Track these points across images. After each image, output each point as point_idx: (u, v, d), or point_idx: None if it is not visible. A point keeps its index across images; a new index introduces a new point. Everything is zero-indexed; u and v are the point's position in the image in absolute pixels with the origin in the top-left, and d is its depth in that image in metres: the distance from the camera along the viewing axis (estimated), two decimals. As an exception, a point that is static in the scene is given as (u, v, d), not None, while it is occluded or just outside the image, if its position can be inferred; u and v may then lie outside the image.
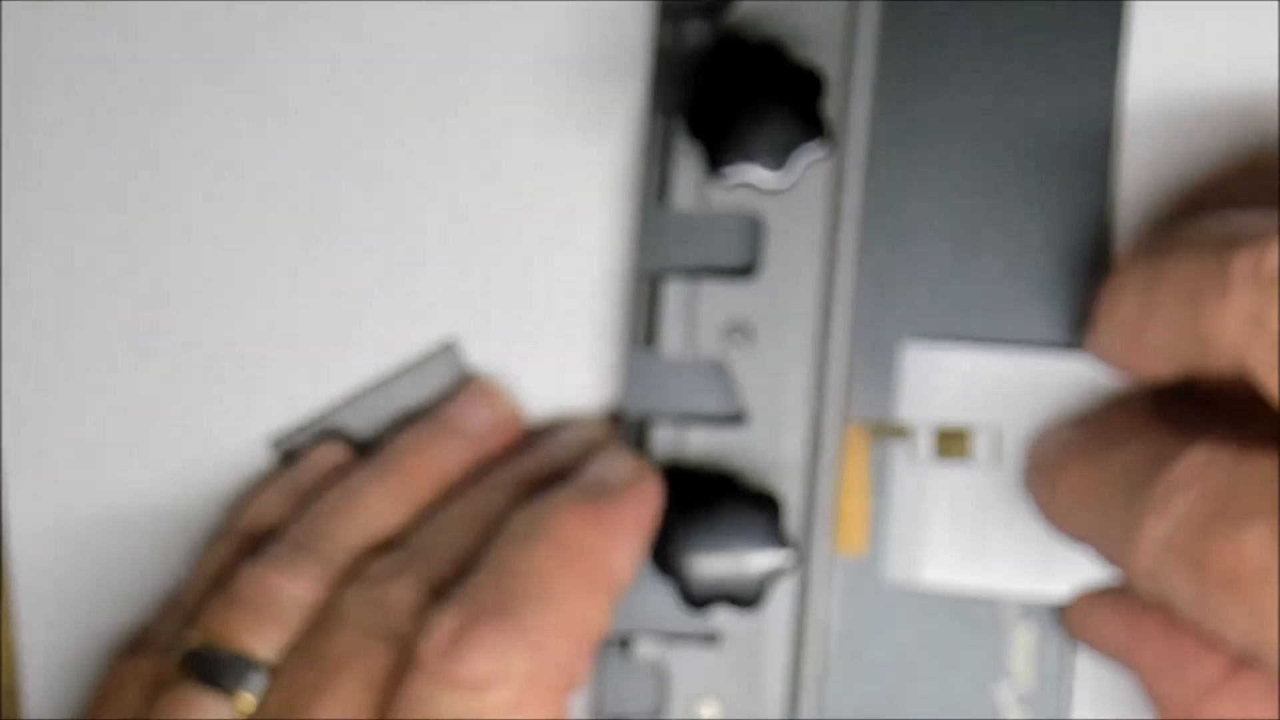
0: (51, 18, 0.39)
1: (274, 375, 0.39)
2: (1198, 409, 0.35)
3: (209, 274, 0.39)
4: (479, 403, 0.38)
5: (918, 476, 0.37)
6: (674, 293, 0.36)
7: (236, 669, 0.33)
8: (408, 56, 0.38)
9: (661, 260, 0.36)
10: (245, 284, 0.39)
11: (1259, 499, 0.29)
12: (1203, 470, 0.30)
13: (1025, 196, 0.37)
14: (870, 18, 0.36)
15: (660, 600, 0.35)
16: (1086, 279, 0.36)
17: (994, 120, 0.37)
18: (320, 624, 0.33)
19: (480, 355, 0.39)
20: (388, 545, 0.35)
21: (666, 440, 0.36)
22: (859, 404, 0.37)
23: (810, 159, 0.34)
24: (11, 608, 0.39)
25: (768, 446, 0.36)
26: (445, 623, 0.31)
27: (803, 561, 0.36)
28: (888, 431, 0.37)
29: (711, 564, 0.35)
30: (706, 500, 0.35)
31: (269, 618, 0.34)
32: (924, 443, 0.37)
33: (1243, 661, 0.32)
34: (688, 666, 0.36)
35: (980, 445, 0.37)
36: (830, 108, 0.35)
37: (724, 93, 0.34)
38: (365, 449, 0.38)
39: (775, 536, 0.35)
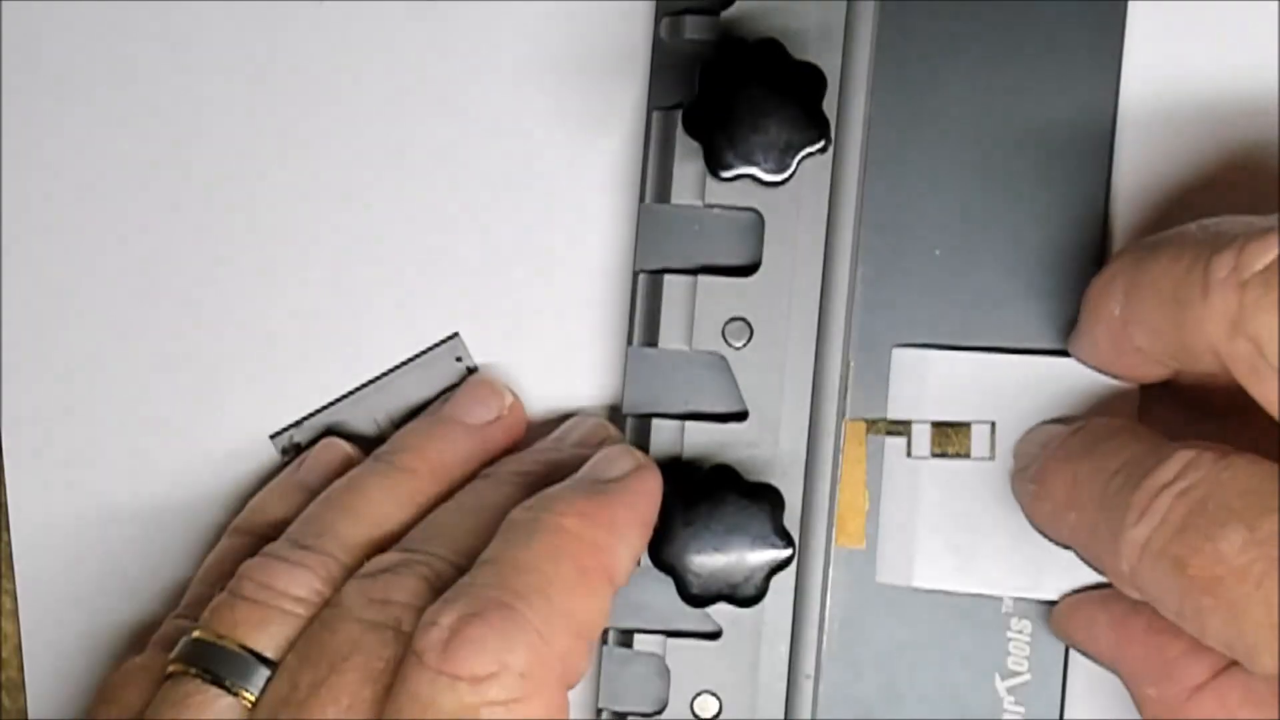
0: (51, 18, 0.39)
1: (277, 372, 0.39)
2: (1185, 410, 0.35)
3: (212, 271, 0.39)
4: (482, 398, 0.38)
5: (912, 473, 0.37)
6: (674, 290, 0.36)
7: (240, 665, 0.33)
8: (408, 57, 0.38)
9: (661, 258, 0.36)
10: (247, 281, 0.39)
11: (1237, 502, 0.29)
12: (1184, 473, 0.30)
13: (1023, 197, 0.37)
14: (869, 17, 0.36)
15: (660, 596, 0.36)
16: (1083, 280, 0.36)
17: (992, 120, 0.37)
18: (322, 620, 0.33)
19: (481, 352, 0.39)
20: (391, 542, 0.35)
21: (666, 436, 0.36)
22: (858, 400, 0.37)
23: (809, 158, 0.34)
24: (15, 604, 0.39)
25: (767, 443, 0.36)
26: (445, 618, 0.31)
27: (801, 557, 0.36)
28: (886, 427, 0.37)
29: (711, 560, 0.35)
30: (706, 497, 0.35)
31: (273, 614, 0.34)
32: (921, 438, 0.37)
33: (1227, 663, 0.32)
34: (687, 662, 0.36)
35: (976, 442, 0.37)
36: (829, 106, 0.35)
37: (724, 92, 0.34)
38: (369, 445, 0.38)
39: (774, 533, 0.35)
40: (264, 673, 0.33)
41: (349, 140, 0.39)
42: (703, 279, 0.36)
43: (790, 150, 0.34)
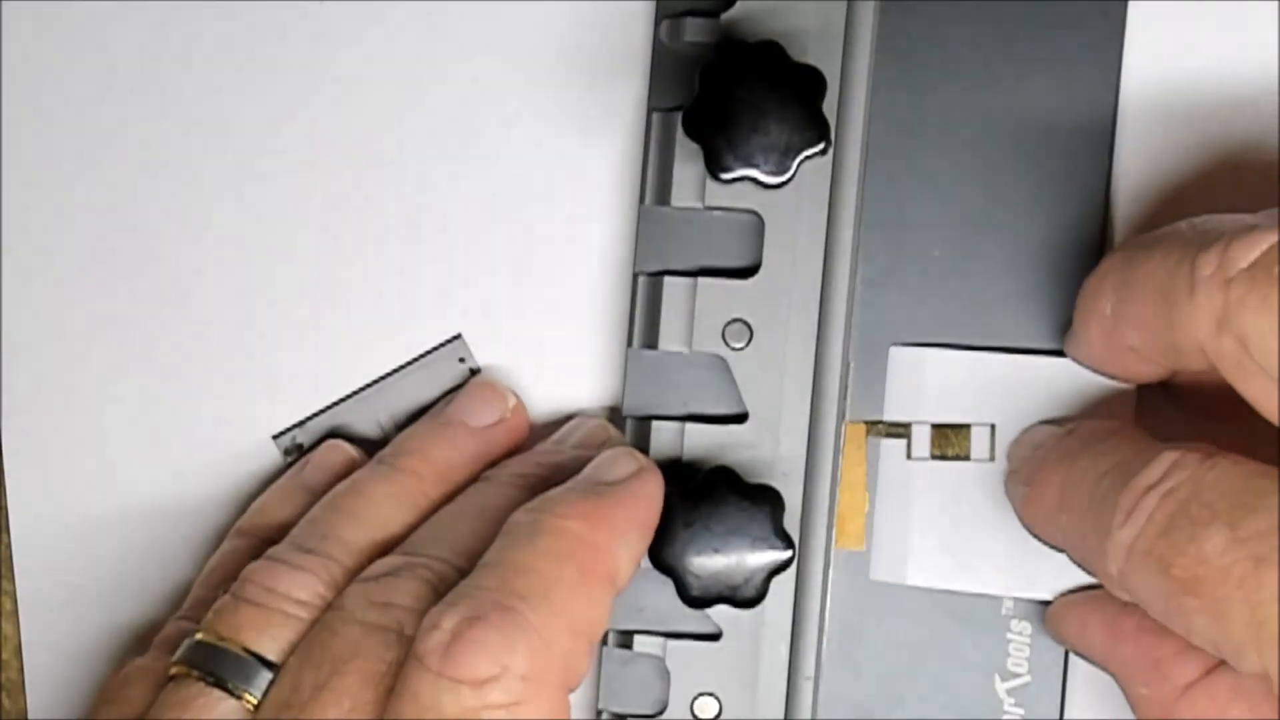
0: (51, 18, 0.39)
1: (279, 374, 0.39)
2: (1183, 411, 0.35)
3: (214, 272, 0.39)
4: (485, 400, 0.38)
5: (908, 474, 0.37)
6: (674, 292, 0.36)
7: (242, 668, 0.33)
8: (409, 58, 0.38)
9: (661, 260, 0.36)
10: (250, 282, 0.39)
11: (1220, 503, 0.30)
12: (1169, 474, 0.31)
13: (1023, 197, 0.37)
14: (869, 18, 0.36)
15: (660, 598, 0.36)
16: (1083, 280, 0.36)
17: (992, 121, 0.37)
18: (324, 622, 0.33)
19: (481, 354, 0.39)
20: (394, 544, 0.35)
21: (666, 438, 0.36)
22: (858, 401, 0.37)
23: (809, 159, 0.34)
24: (15, 605, 0.39)
25: (767, 444, 0.36)
26: (447, 621, 0.31)
27: (801, 559, 0.36)
28: (886, 429, 0.37)
29: (711, 562, 0.35)
30: (706, 498, 0.35)
31: (275, 617, 0.34)
32: (920, 440, 0.37)
33: (1217, 661, 0.32)
34: (687, 663, 0.36)
35: (976, 443, 0.37)
36: (829, 108, 0.35)
37: (724, 94, 0.34)
38: (372, 446, 0.38)
39: (774, 534, 0.35)
40: (266, 675, 0.33)
41: (349, 141, 0.39)
42: (703, 281, 0.36)
43: (790, 152, 0.34)
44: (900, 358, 0.37)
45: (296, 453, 0.39)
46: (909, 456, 0.37)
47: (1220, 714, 0.32)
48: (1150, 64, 0.37)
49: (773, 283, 0.36)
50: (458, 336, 0.39)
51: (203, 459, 0.39)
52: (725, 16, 0.35)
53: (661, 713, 0.36)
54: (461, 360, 0.39)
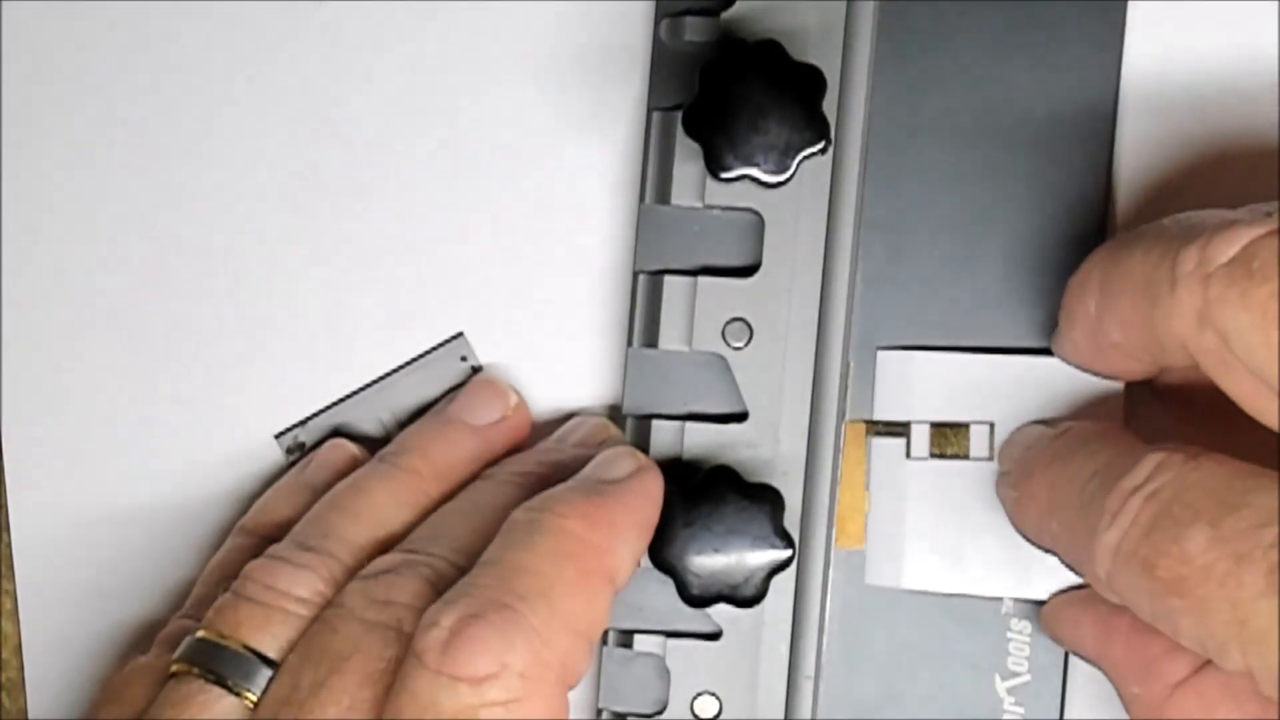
0: (51, 18, 0.39)
1: (282, 372, 0.39)
2: (1171, 411, 0.35)
3: (216, 271, 0.39)
4: (486, 399, 0.38)
5: (905, 475, 0.37)
6: (674, 291, 0.36)
7: (243, 665, 0.33)
8: (409, 57, 0.38)
9: (661, 259, 0.36)
10: (252, 281, 0.39)
11: (1202, 502, 0.29)
12: (1154, 475, 0.30)
13: (1023, 197, 0.37)
14: (869, 17, 0.36)
15: (660, 597, 0.36)
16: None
17: (992, 121, 0.37)
18: (324, 620, 0.33)
19: (482, 352, 0.39)
20: (395, 542, 0.35)
21: (666, 437, 0.36)
22: (858, 401, 0.37)
23: (809, 159, 0.34)
24: (15, 604, 0.40)
25: (767, 444, 0.36)
26: (446, 619, 0.31)
27: (801, 558, 0.36)
28: (885, 428, 0.37)
29: (711, 561, 0.35)
30: (706, 497, 0.35)
31: (275, 615, 0.34)
32: (920, 439, 0.37)
33: (1206, 660, 0.32)
34: (687, 662, 0.36)
35: (975, 442, 0.37)
36: (829, 107, 0.35)
37: (724, 93, 0.34)
38: (374, 444, 0.38)
39: (774, 534, 0.35)
40: (266, 673, 0.33)
41: (350, 141, 0.39)
42: (703, 280, 0.36)
43: (790, 151, 0.34)
44: (888, 361, 0.37)
45: (299, 451, 0.39)
46: (908, 456, 0.37)
47: (1209, 712, 0.32)
48: (1150, 62, 0.37)
49: (773, 282, 0.36)
50: (459, 335, 0.39)
51: (205, 458, 0.39)
52: (725, 15, 0.35)
53: (661, 712, 0.36)
54: (463, 358, 0.39)
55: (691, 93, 0.34)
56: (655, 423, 0.36)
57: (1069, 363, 0.36)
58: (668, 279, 0.36)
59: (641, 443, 0.36)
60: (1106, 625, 0.34)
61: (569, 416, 0.38)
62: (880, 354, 0.37)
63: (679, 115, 0.35)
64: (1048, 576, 0.36)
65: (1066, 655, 0.37)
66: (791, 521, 0.35)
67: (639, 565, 0.35)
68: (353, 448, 0.38)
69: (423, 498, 0.37)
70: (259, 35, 0.39)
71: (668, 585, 0.35)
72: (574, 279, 0.38)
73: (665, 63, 0.37)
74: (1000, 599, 0.37)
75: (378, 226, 0.39)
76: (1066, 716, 0.37)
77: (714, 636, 0.36)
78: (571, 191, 0.38)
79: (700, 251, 0.36)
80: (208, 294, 0.39)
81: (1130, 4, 0.36)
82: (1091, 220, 0.36)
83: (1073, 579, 0.35)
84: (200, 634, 0.34)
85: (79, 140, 0.39)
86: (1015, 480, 0.35)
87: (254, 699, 0.33)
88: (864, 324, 0.37)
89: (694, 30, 0.36)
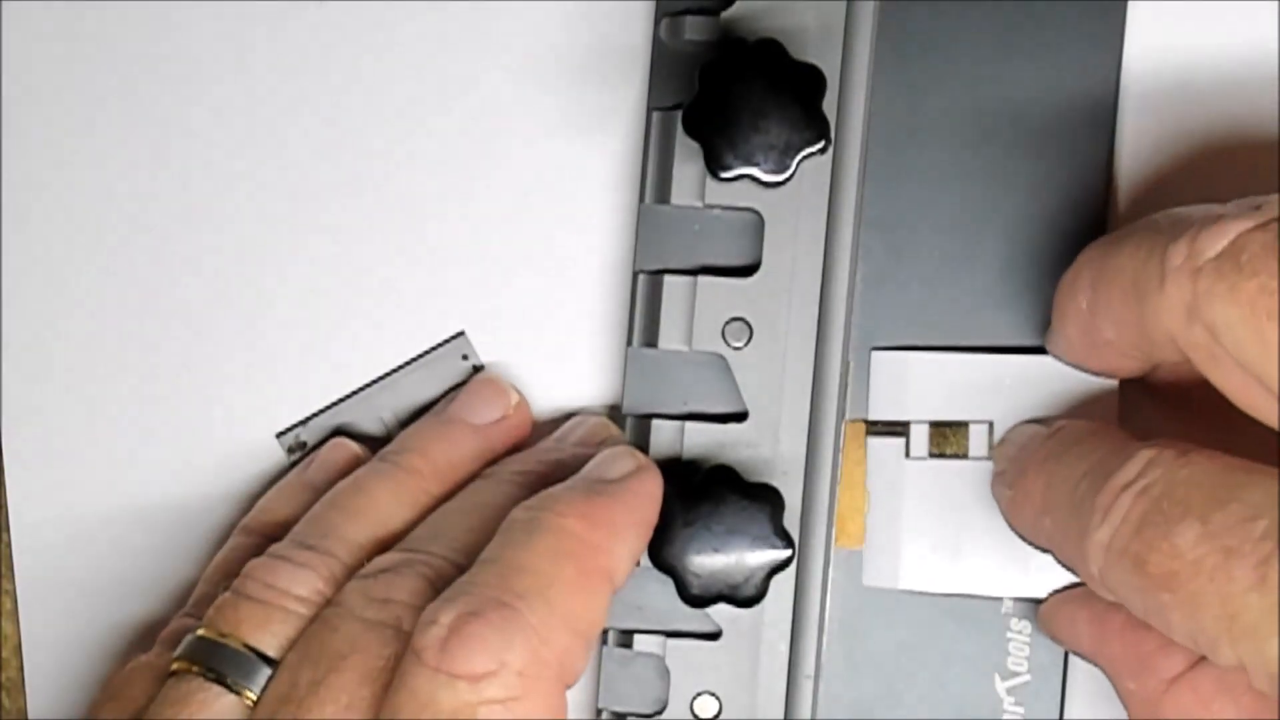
0: (51, 18, 0.39)
1: (283, 371, 0.39)
2: (1165, 408, 0.35)
3: (216, 270, 0.39)
4: (487, 398, 0.38)
5: (904, 474, 0.37)
6: (674, 291, 0.36)
7: (243, 663, 0.33)
8: (409, 57, 0.38)
9: (661, 259, 0.36)
10: (253, 280, 0.39)
11: (1192, 497, 0.29)
12: (1144, 472, 0.30)
13: (1024, 197, 0.37)
14: (869, 17, 0.36)
15: (660, 596, 0.36)
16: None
17: (992, 121, 0.37)
18: (323, 618, 0.33)
19: (483, 351, 0.39)
20: (395, 541, 0.35)
21: (666, 437, 0.36)
22: (858, 400, 0.37)
23: (809, 158, 0.34)
24: (15, 604, 0.40)
25: (767, 443, 0.36)
26: (444, 617, 0.31)
27: (801, 558, 0.36)
28: (885, 428, 0.37)
29: (711, 561, 0.35)
30: (706, 497, 0.35)
31: (275, 614, 0.34)
32: (919, 439, 0.37)
33: (1200, 655, 0.32)
34: (687, 662, 0.36)
35: (974, 441, 0.37)
36: (829, 106, 0.35)
37: (724, 92, 0.34)
38: (375, 443, 0.38)
39: (774, 533, 0.35)
40: (266, 671, 0.33)
41: (350, 140, 0.39)
42: (702, 279, 0.36)
43: (790, 151, 0.34)
44: (887, 361, 0.37)
45: (300, 451, 0.39)
46: (907, 455, 0.37)
47: (1204, 706, 0.32)
48: (1150, 61, 0.37)
49: (772, 281, 0.36)
50: (460, 334, 0.39)
51: (207, 457, 0.39)
52: (725, 15, 0.35)
53: (661, 712, 0.36)
54: (464, 357, 0.39)
55: (691, 92, 0.34)
56: (655, 422, 0.36)
57: (1063, 361, 0.36)
58: (668, 278, 0.36)
59: (641, 442, 0.36)
60: (1102, 622, 0.34)
61: (569, 416, 0.38)
62: (879, 354, 0.37)
63: (679, 115, 0.35)
64: (1046, 575, 0.36)
65: (1066, 655, 0.37)
66: (791, 521, 0.35)
67: (638, 565, 0.35)
68: (354, 447, 0.39)
69: (423, 497, 0.37)
70: (259, 35, 0.39)
71: (668, 585, 0.35)
72: (574, 278, 0.38)
73: (665, 62, 0.37)
74: (1000, 599, 0.37)
75: (379, 226, 0.39)
76: (1066, 716, 0.37)
77: (714, 636, 0.36)
78: (572, 191, 0.38)
79: (700, 251, 0.36)
80: (208, 294, 0.39)
81: (1130, 3, 0.36)
82: (1091, 220, 0.36)
83: (1070, 578, 0.35)
84: (200, 632, 0.34)
85: (79, 140, 0.39)
86: (1010, 479, 0.35)
87: (253, 697, 0.33)
88: (864, 323, 0.37)
89: (694, 30, 0.36)
